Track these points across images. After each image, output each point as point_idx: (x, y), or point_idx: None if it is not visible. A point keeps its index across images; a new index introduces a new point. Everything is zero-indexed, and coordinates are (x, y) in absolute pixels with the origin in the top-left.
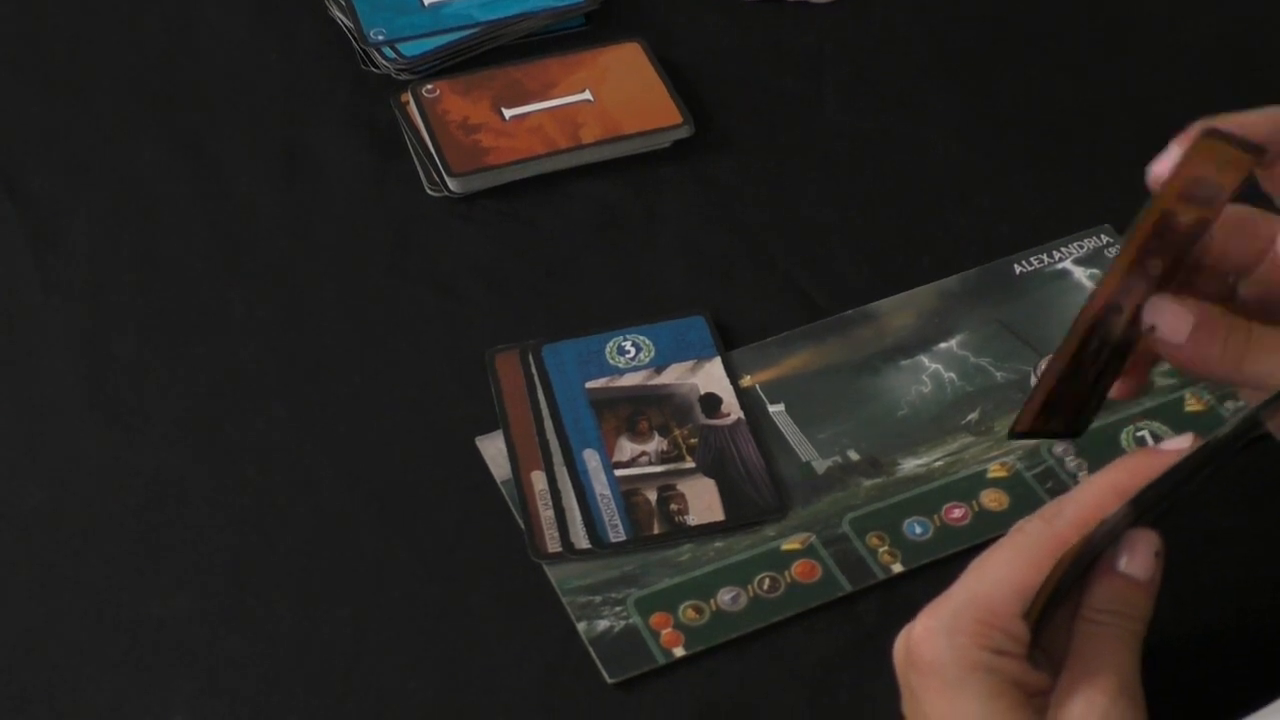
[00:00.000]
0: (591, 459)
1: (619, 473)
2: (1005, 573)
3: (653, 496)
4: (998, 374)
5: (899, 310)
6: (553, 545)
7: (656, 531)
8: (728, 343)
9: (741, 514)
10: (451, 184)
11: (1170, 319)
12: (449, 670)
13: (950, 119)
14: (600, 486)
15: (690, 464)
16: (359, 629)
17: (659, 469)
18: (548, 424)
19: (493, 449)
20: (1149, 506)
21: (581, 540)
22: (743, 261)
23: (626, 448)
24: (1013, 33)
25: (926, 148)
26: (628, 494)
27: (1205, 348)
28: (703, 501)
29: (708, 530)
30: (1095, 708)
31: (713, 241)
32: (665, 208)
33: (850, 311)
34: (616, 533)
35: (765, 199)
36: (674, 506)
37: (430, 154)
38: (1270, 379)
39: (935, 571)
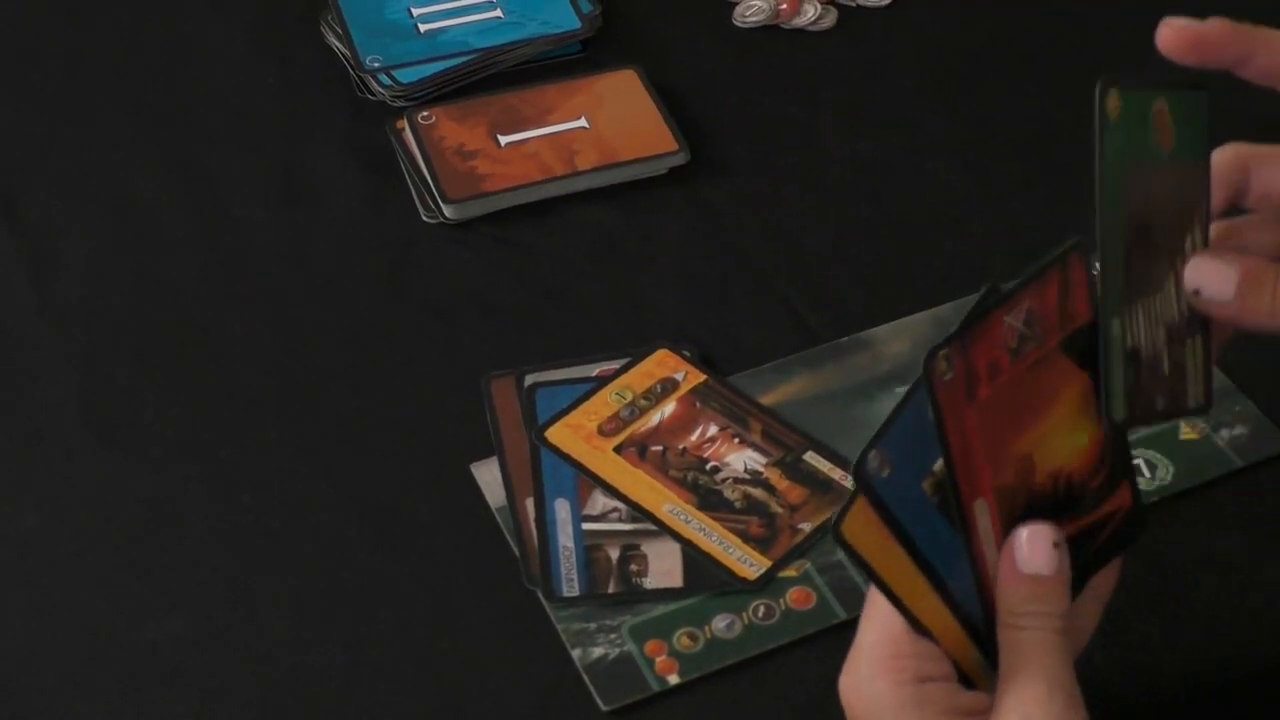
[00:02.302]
0: (562, 509)
1: (586, 526)
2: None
3: (614, 554)
4: None
5: (894, 337)
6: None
7: (611, 590)
8: (724, 369)
9: (701, 583)
10: (447, 210)
11: (1214, 278)
12: (443, 696)
13: (945, 144)
14: (565, 538)
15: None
16: (353, 654)
17: (627, 527)
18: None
19: (488, 475)
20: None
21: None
22: (738, 287)
23: (599, 501)
24: (1008, 58)
25: (922, 173)
26: (590, 548)
27: (1253, 302)
28: (663, 565)
29: (662, 595)
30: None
31: (708, 267)
32: (661, 233)
33: (846, 338)
34: (571, 586)
35: (761, 224)
36: (633, 567)
37: (426, 180)
38: None
39: None
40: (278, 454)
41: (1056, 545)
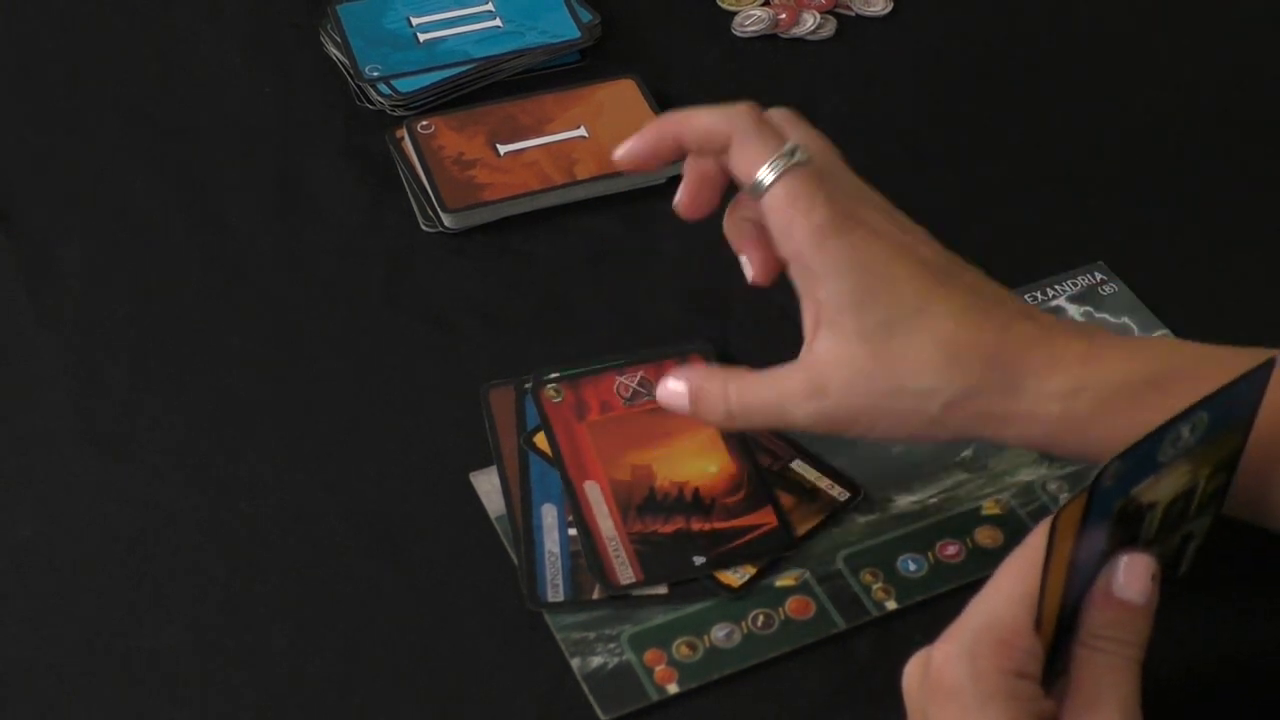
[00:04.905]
0: (549, 514)
1: (572, 532)
2: (1020, 589)
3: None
4: None
5: None
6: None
7: (596, 596)
8: None
9: (687, 590)
10: (446, 220)
11: (666, 396)
12: (441, 706)
13: (943, 155)
14: (551, 544)
15: None
16: (351, 663)
17: None
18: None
19: (487, 484)
20: (1128, 517)
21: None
22: (737, 295)
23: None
24: (1006, 69)
25: (920, 182)
26: (576, 554)
27: (704, 411)
28: None
29: (646, 602)
30: None
31: (708, 275)
32: (660, 241)
33: None
34: (556, 592)
35: None
36: None
37: (425, 189)
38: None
39: (930, 608)
40: (276, 463)
41: (1154, 578)
